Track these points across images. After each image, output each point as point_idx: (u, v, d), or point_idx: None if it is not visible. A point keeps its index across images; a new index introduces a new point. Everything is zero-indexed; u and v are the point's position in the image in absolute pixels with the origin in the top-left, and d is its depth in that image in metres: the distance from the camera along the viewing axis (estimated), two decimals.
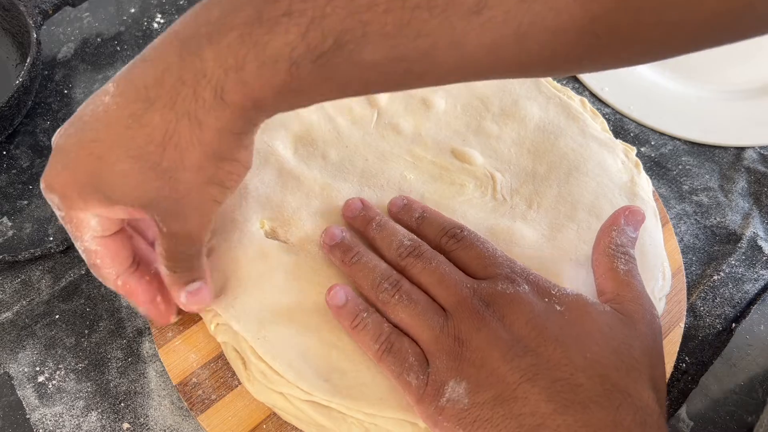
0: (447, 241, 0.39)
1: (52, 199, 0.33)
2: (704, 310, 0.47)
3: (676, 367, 0.42)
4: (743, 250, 0.50)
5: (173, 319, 0.40)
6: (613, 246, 0.38)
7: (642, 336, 0.34)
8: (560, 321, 0.34)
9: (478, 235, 0.40)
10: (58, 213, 0.33)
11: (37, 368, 0.42)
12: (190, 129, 0.29)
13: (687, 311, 0.45)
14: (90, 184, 0.31)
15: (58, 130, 0.33)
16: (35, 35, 0.53)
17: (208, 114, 0.28)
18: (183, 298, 0.37)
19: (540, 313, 0.34)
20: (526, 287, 0.35)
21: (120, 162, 0.30)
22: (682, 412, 0.42)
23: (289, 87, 0.28)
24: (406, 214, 0.42)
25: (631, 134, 0.58)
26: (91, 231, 0.33)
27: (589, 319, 0.34)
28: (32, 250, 0.47)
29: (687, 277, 0.47)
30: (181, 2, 0.65)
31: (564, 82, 0.60)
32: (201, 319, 0.41)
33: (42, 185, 0.33)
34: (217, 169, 0.31)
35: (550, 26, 0.27)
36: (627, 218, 0.39)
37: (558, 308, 0.34)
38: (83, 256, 0.35)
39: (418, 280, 0.37)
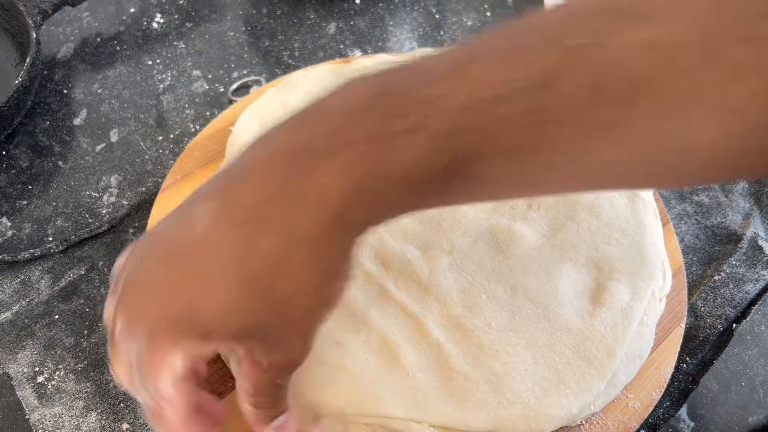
0: None
1: (137, 338, 0.28)
2: (705, 310, 0.47)
3: (676, 368, 0.42)
4: (744, 251, 0.50)
5: None
6: None
7: None
8: None
9: None
10: (134, 357, 0.28)
11: (37, 368, 0.42)
12: (309, 251, 0.26)
13: (688, 311, 0.45)
14: (186, 318, 0.27)
15: (128, 259, 0.30)
16: (35, 35, 0.53)
17: (328, 235, 0.26)
18: None
19: None
20: None
21: (228, 292, 0.26)
22: (683, 412, 0.42)
23: (402, 204, 0.27)
24: None
25: None
26: (172, 373, 0.28)
27: None
28: (32, 251, 0.47)
29: (687, 277, 0.47)
30: (180, 2, 0.65)
31: None
32: None
33: (122, 319, 0.28)
34: (330, 288, 0.28)
35: (680, 147, 0.24)
36: None
37: None
38: (147, 401, 0.29)
39: None
